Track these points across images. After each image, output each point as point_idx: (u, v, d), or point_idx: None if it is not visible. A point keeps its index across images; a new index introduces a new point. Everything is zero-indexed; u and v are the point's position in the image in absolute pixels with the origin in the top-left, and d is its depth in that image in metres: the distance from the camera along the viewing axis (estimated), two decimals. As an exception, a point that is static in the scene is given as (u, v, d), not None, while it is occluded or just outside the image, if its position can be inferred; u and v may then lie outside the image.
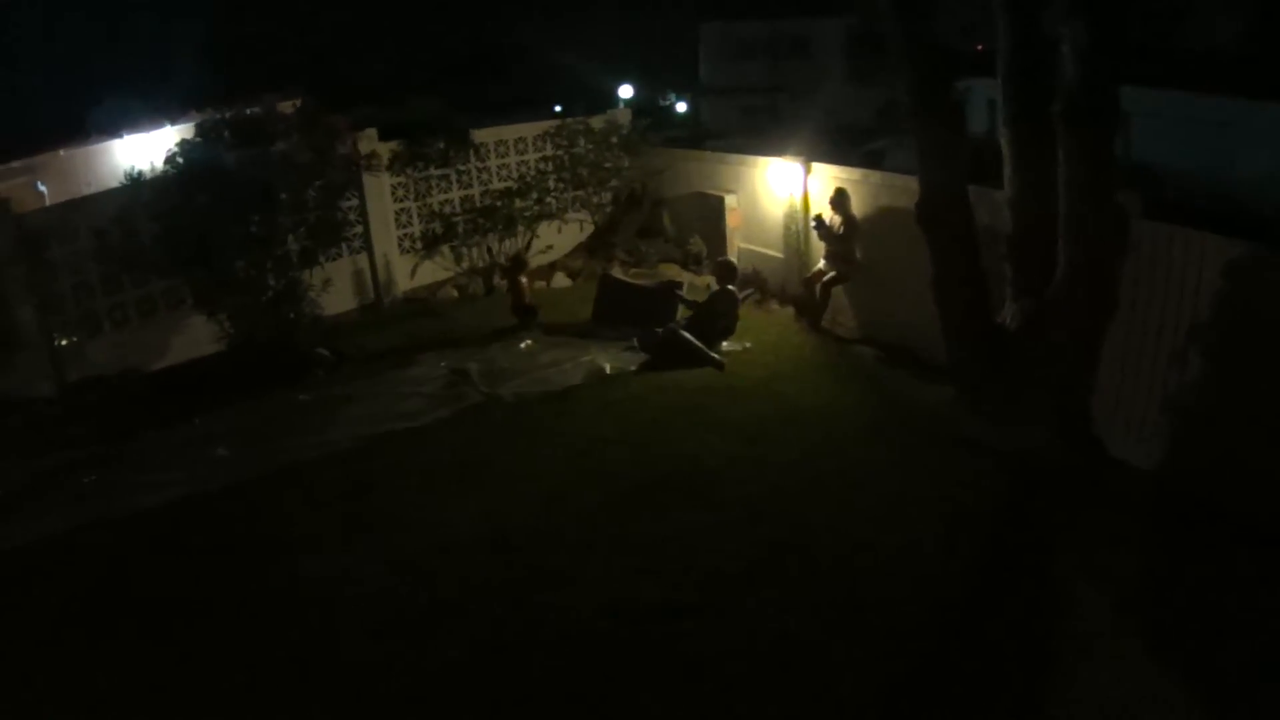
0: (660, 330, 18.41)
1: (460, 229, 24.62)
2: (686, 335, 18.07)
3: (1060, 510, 11.82)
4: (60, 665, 10.74)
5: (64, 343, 19.75)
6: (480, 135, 25.07)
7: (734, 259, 21.48)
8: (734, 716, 9.00)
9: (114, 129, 29.53)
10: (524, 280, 21.44)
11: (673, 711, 9.12)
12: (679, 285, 20.37)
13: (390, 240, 24.33)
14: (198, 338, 20.40)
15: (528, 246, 24.65)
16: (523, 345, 19.81)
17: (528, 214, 24.89)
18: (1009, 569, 10.98)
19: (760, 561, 11.38)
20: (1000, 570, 10.98)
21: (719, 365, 17.66)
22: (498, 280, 24.39)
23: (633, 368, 18.12)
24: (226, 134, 19.30)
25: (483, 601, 11.15)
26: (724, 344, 18.54)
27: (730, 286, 19.23)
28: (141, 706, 9.92)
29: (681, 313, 19.29)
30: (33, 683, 10.43)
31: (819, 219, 18.97)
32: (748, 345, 18.59)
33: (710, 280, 21.25)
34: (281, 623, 11.19)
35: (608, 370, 18.11)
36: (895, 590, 10.60)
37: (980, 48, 34.60)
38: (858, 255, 18.44)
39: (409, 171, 24.15)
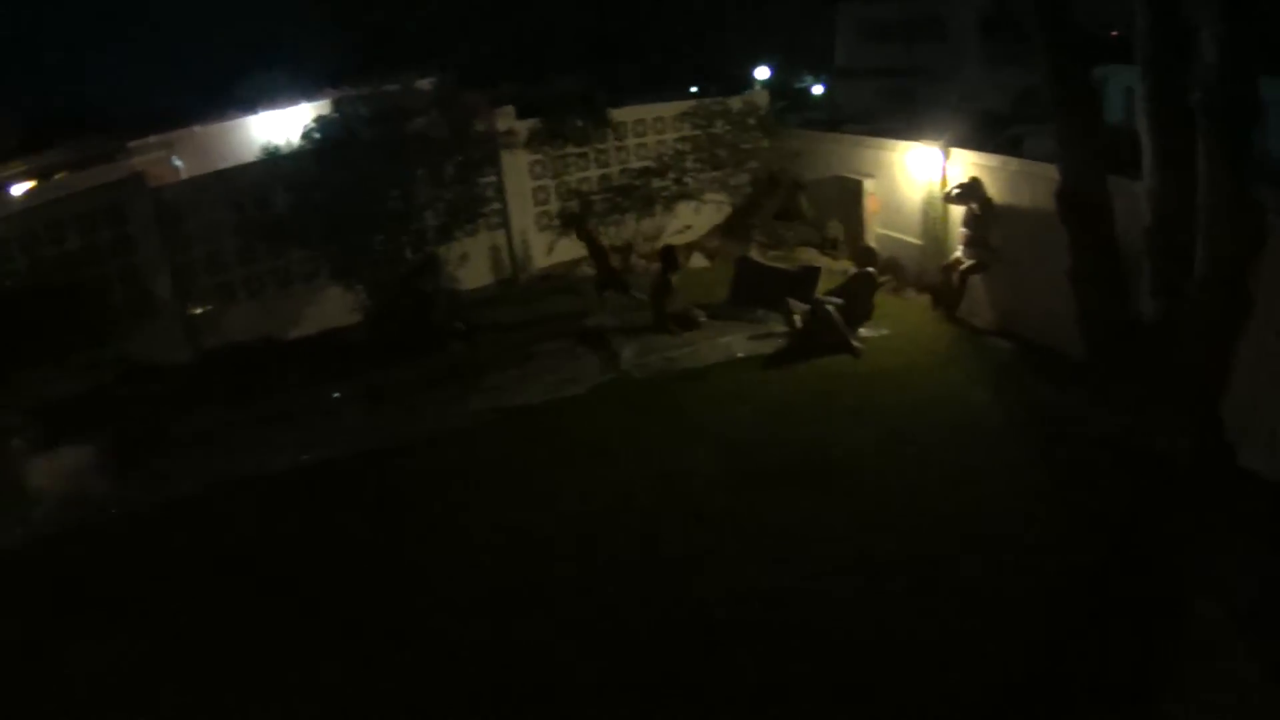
0: (806, 303, 18.31)
1: (598, 207, 24.63)
2: (831, 310, 17.92)
3: (1186, 518, 11.54)
4: (194, 621, 11.14)
5: (199, 311, 20.05)
6: (618, 114, 25.06)
7: (872, 245, 21.33)
8: (857, 708, 9.00)
9: (250, 106, 29.92)
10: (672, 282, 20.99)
11: (792, 706, 9.12)
12: (817, 270, 20.12)
13: (528, 217, 24.46)
14: (334, 309, 20.69)
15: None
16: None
17: (666, 194, 24.84)
18: (1130, 574, 10.78)
19: (889, 553, 11.34)
20: (1121, 574, 10.79)
21: (855, 352, 17.51)
22: (635, 258, 24.44)
23: (768, 351, 18.02)
24: (363, 110, 19.44)
25: (604, 580, 11.28)
26: (861, 330, 18.36)
27: (869, 269, 19.05)
28: (246, 662, 10.34)
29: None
30: (180, 632, 10.82)
31: (959, 187, 18.67)
32: (884, 332, 18.39)
33: (848, 265, 21.06)
34: (396, 589, 11.50)
35: (740, 354, 18.05)
36: (1019, 587, 10.52)
37: (1116, 34, 33.99)
38: (995, 243, 18.18)
39: (547, 149, 24.24)
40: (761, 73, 63.85)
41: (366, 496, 14.01)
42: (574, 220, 22.40)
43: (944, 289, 19.29)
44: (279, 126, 23.52)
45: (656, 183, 24.80)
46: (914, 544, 11.45)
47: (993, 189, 18.03)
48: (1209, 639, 9.54)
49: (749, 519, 12.33)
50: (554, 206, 24.80)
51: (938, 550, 11.28)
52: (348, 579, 11.81)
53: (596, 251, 21.68)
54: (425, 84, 21.62)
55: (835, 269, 21.86)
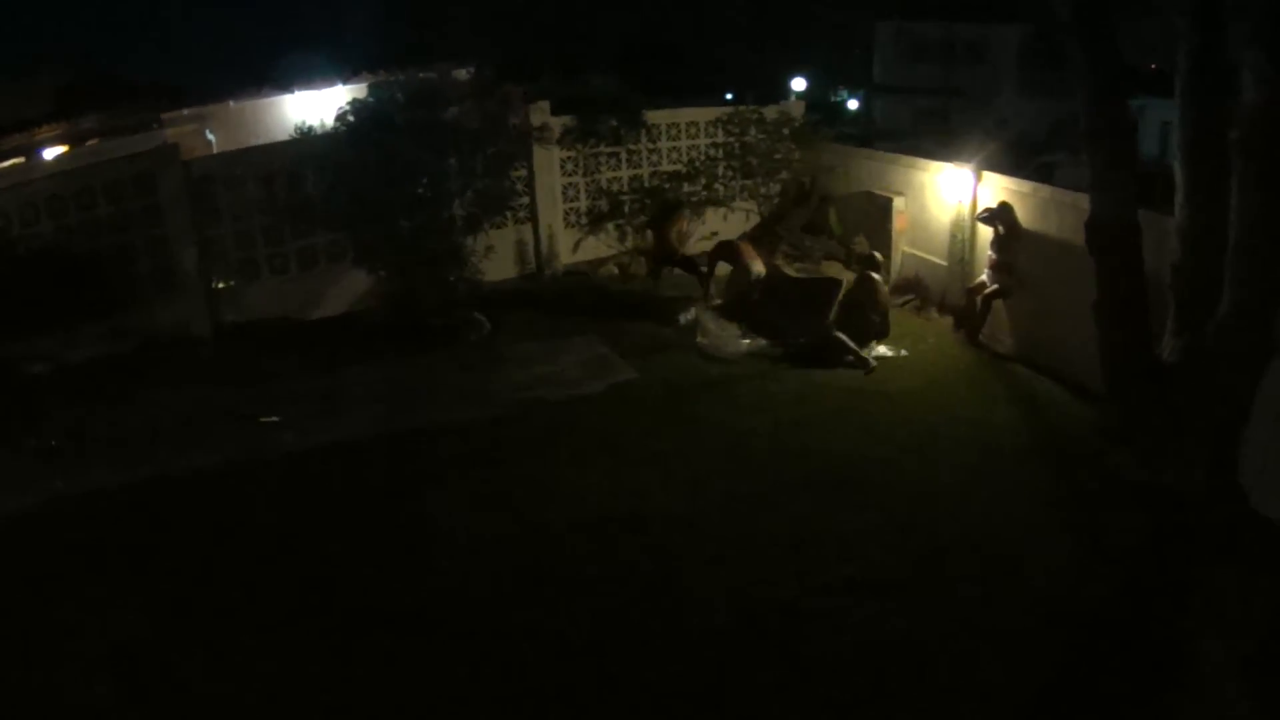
0: (812, 336, 18.33)
1: (627, 208, 24.61)
2: (841, 337, 17.94)
3: (1197, 558, 11.50)
4: (205, 596, 11.15)
5: (222, 285, 20.18)
6: (653, 116, 24.98)
7: (897, 262, 21.38)
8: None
9: (286, 84, 30.02)
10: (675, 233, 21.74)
11: (784, 714, 9.15)
12: (839, 283, 20.04)
13: (556, 213, 24.46)
14: (356, 292, 20.87)
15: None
16: (682, 321, 19.77)
17: (695, 199, 24.77)
18: (1138, 609, 10.75)
19: (896, 571, 11.37)
20: (1130, 609, 10.76)
21: (867, 368, 17.52)
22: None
23: (787, 361, 18.03)
24: (399, 96, 19.45)
25: (612, 582, 11.28)
26: (880, 348, 18.36)
27: (874, 274, 18.97)
28: (261, 642, 10.31)
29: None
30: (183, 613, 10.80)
31: (988, 211, 18.64)
32: (904, 352, 18.36)
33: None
34: (407, 580, 11.49)
35: (759, 363, 18.02)
36: (1024, 615, 10.52)
37: (1155, 67, 33.94)
38: (1019, 268, 18.09)
39: (579, 147, 24.18)
40: (798, 84, 63.92)
41: (371, 482, 14.01)
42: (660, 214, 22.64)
43: (967, 312, 19.24)
44: (313, 107, 23.58)
45: (687, 187, 24.73)
46: (922, 566, 11.44)
47: (1022, 215, 17.95)
48: (1211, 680, 9.51)
49: (760, 528, 12.35)
50: (583, 204, 24.82)
51: (943, 573, 11.30)
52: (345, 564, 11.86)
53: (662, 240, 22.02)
54: (462, 74, 21.63)
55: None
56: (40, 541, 12.50)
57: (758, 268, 20.30)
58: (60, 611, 10.92)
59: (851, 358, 17.77)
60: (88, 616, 10.78)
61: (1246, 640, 10.05)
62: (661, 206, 22.96)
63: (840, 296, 19.04)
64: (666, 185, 24.50)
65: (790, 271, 21.52)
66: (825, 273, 22.42)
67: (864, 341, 18.30)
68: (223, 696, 9.54)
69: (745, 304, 19.75)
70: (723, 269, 21.39)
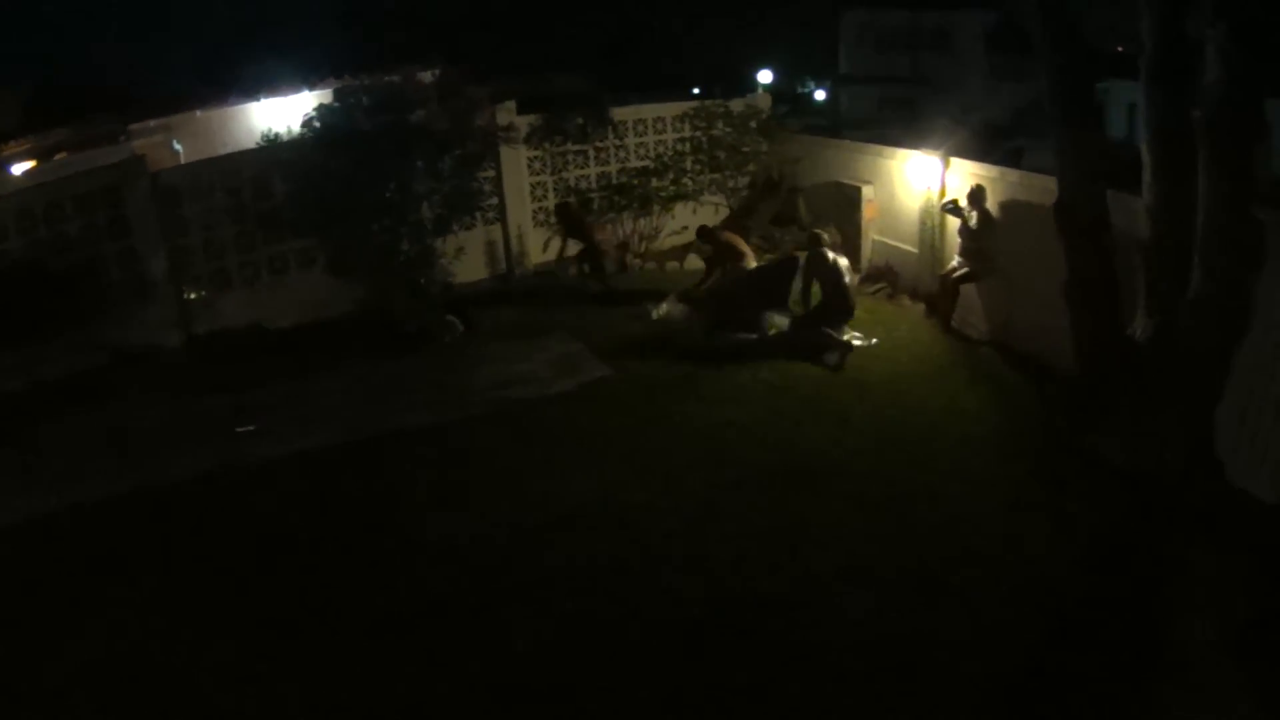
0: (786, 331, 18.40)
1: (595, 205, 24.64)
2: (828, 332, 17.97)
3: (1173, 535, 11.51)
4: (196, 602, 11.14)
5: (193, 296, 20.16)
6: (619, 113, 24.96)
7: (867, 250, 21.50)
8: (826, 712, 9.02)
9: (251, 92, 29.96)
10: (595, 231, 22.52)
11: (764, 707, 9.13)
12: (795, 260, 19.87)
13: (525, 213, 24.48)
14: (328, 298, 20.73)
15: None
16: (653, 315, 19.86)
17: (664, 194, 24.84)
18: (1114, 590, 10.73)
19: (872, 560, 11.35)
20: (1105, 590, 10.76)
21: (846, 351, 17.66)
22: (631, 257, 24.48)
23: (756, 352, 18.02)
24: (364, 100, 19.45)
25: (592, 579, 11.27)
26: (851, 337, 18.32)
27: (820, 249, 18.88)
28: (252, 645, 10.17)
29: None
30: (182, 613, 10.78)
31: (954, 202, 18.72)
32: (874, 341, 18.36)
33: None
34: (390, 583, 11.45)
35: (729, 353, 18.07)
36: (999, 602, 10.51)
37: (1120, 49, 34.02)
38: (992, 253, 18.10)
39: (546, 146, 24.18)
40: (764, 76, 63.98)
41: (349, 487, 14.00)
42: (561, 208, 22.86)
43: (939, 298, 19.27)
44: (280, 114, 23.56)
45: (655, 183, 24.84)
46: (900, 555, 11.45)
47: (990, 200, 18.00)
48: (1199, 661, 9.52)
49: (736, 521, 12.37)
50: (552, 203, 24.80)
51: (923, 562, 11.28)
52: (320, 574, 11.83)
53: (578, 229, 22.33)
54: (427, 76, 21.62)
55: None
56: (23, 556, 12.47)
57: (750, 262, 20.32)
58: (52, 621, 10.94)
59: (833, 350, 17.77)
60: (79, 626, 10.78)
61: (1229, 616, 10.08)
62: (563, 209, 23.23)
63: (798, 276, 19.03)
64: (635, 182, 24.54)
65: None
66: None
67: (834, 321, 18.30)
68: (217, 698, 9.55)
69: (719, 298, 19.75)
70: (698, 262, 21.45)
